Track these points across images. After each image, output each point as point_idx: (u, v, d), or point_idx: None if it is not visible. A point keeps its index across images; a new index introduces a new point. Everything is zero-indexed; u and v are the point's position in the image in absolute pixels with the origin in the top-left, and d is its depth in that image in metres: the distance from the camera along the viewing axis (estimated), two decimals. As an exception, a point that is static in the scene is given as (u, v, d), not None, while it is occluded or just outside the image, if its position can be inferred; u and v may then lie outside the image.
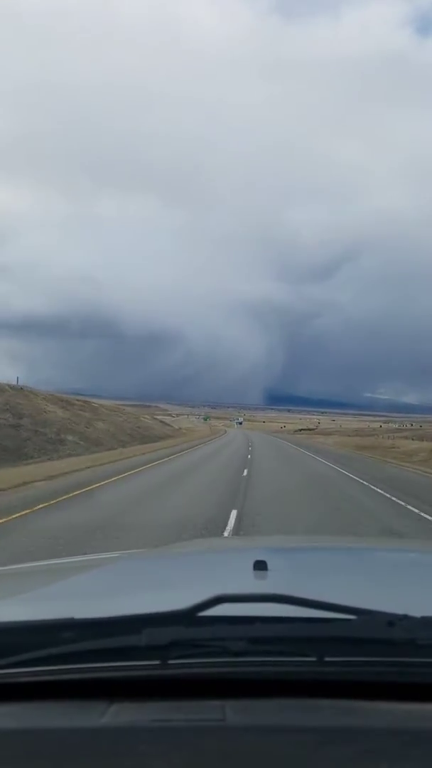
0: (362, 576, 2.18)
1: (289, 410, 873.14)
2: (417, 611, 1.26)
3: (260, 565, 1.83)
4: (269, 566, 1.84)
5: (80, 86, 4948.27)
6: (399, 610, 1.26)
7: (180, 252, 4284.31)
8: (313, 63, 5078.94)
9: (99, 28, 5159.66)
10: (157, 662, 1.20)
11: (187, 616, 1.24)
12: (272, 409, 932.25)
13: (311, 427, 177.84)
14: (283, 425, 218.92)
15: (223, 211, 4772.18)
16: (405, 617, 1.23)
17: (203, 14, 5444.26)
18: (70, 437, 36.11)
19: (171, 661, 1.20)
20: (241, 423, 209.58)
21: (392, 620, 1.23)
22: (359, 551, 2.94)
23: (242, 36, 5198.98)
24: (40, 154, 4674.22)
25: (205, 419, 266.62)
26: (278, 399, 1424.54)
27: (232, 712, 1.14)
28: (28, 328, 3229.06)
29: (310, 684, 1.21)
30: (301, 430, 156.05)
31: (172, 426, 73.52)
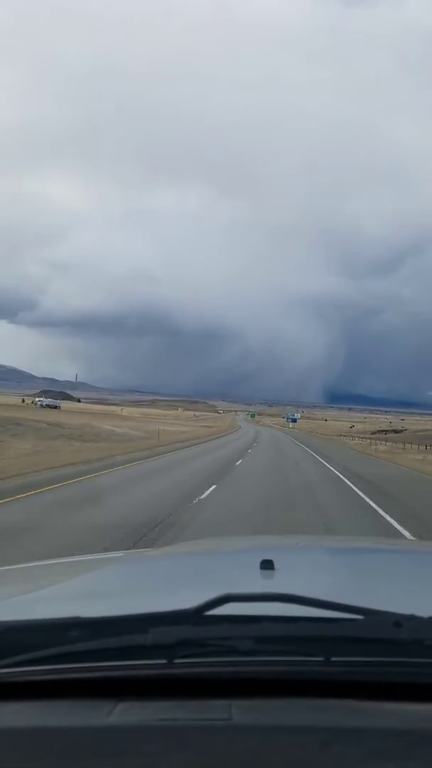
0: (369, 576, 2.18)
1: (350, 409, 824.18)
2: (424, 611, 1.25)
3: (267, 565, 1.82)
4: (276, 566, 1.83)
5: (132, 73, 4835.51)
6: (406, 610, 1.26)
7: (237, 245, 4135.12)
8: (375, 42, 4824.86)
9: (152, 11, 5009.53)
10: (163, 661, 1.20)
11: (194, 616, 1.24)
12: (332, 407, 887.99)
13: (394, 428, 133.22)
14: (351, 425, 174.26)
15: (281, 201, 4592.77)
16: (412, 617, 1.23)
17: None
18: None
19: (177, 661, 1.21)
20: (295, 420, 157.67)
21: (399, 620, 1.22)
22: (366, 551, 2.94)
23: (302, 13, 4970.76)
24: (96, 147, 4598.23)
25: (252, 416, 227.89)
26: (338, 397, 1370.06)
27: (239, 711, 1.15)
28: (87, 325, 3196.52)
29: (317, 684, 1.21)
30: (385, 432, 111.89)
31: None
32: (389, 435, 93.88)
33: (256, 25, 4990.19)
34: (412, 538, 11.19)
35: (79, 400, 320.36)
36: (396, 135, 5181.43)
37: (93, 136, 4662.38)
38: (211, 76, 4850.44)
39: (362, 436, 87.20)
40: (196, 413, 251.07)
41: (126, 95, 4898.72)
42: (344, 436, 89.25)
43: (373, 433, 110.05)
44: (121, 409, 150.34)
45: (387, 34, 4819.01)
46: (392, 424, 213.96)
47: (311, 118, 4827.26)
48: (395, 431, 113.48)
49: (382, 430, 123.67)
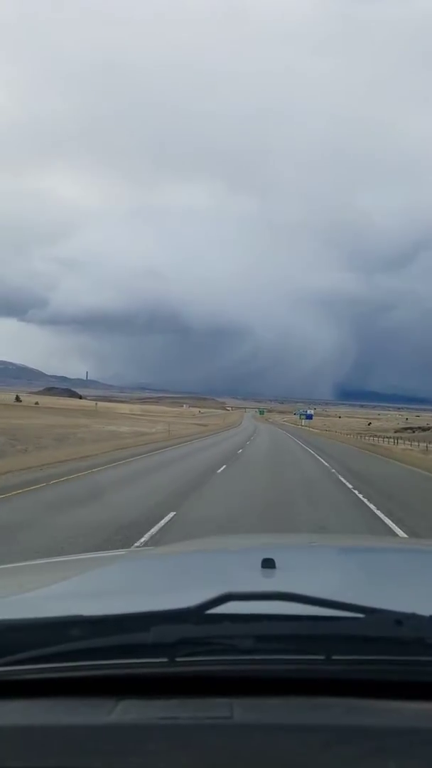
0: (370, 574, 2.19)
1: (362, 405, 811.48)
2: (425, 610, 1.25)
3: (268, 563, 1.83)
4: (277, 564, 1.84)
5: (141, 68, 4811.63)
6: (407, 608, 1.26)
7: (247, 241, 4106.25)
8: (386, 32, 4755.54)
9: (159, 5, 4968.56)
10: (164, 660, 1.21)
11: (195, 614, 1.24)
12: (343, 404, 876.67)
13: (419, 425, 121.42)
14: (369, 422, 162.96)
15: (291, 196, 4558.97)
16: (413, 616, 1.23)
17: None
18: None
19: (179, 659, 1.21)
20: (310, 417, 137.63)
21: (400, 619, 1.23)
22: (367, 550, 2.95)
23: (312, 5, 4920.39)
24: (105, 144, 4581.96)
25: (260, 413, 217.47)
26: (349, 394, 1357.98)
27: (240, 709, 1.15)
28: (97, 323, 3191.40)
29: (318, 682, 1.21)
30: (413, 430, 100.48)
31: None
32: (417, 434, 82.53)
33: (266, 17, 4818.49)
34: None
35: (81, 397, 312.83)
36: (407, 128, 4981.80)
37: (102, 134, 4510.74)
38: (221, 71, 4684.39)
39: (389, 436, 75.72)
40: (201, 410, 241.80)
41: (135, 91, 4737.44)
42: (371, 436, 77.88)
43: (396, 431, 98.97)
44: (96, 404, 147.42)
45: (398, 26, 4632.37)
46: (409, 420, 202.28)
47: (321, 112, 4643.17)
48: (422, 429, 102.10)
49: (409, 428, 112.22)
